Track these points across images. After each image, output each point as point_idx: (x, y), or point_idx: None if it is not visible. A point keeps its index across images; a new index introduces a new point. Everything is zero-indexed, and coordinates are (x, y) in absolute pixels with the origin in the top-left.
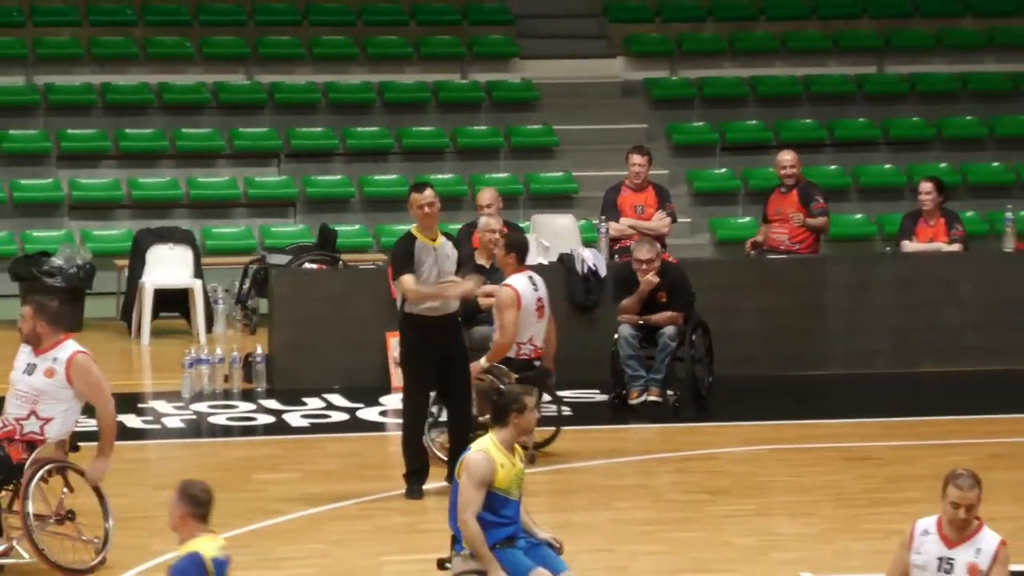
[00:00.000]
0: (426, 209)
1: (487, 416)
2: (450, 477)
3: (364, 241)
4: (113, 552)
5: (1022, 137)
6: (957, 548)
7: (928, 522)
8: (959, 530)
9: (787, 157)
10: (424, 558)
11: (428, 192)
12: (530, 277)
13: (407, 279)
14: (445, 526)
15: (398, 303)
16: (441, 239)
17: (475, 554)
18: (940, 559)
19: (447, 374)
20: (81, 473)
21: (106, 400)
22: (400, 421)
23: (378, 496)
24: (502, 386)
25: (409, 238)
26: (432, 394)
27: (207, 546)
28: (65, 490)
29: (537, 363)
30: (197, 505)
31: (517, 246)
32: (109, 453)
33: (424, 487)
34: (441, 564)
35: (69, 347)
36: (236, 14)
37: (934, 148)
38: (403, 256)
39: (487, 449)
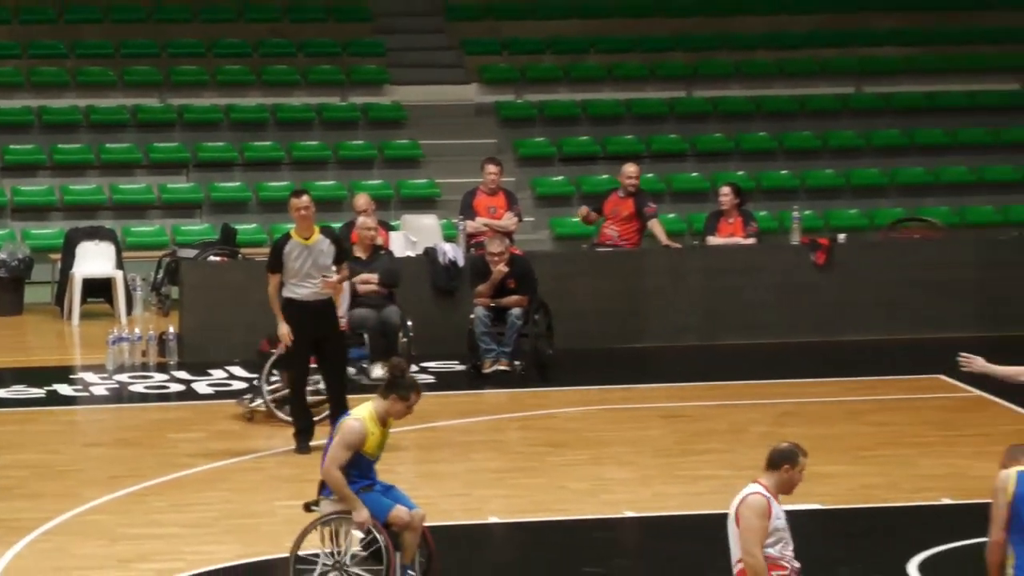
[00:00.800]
0: (302, 212)
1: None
2: None
3: (260, 238)
4: (50, 499)
5: (806, 149)
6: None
7: (765, 490)
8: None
9: (632, 169)
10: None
11: (304, 198)
12: None
13: (271, 279)
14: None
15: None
16: (317, 237)
17: (341, 498)
18: (784, 518)
19: (322, 350)
20: None
21: None
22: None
23: (272, 451)
24: (408, 373)
25: (284, 238)
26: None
27: None
28: None
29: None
30: None
31: None
32: None
33: (311, 444)
34: (307, 507)
35: None
36: (151, 48)
37: (733, 159)
38: (272, 254)
39: (364, 419)
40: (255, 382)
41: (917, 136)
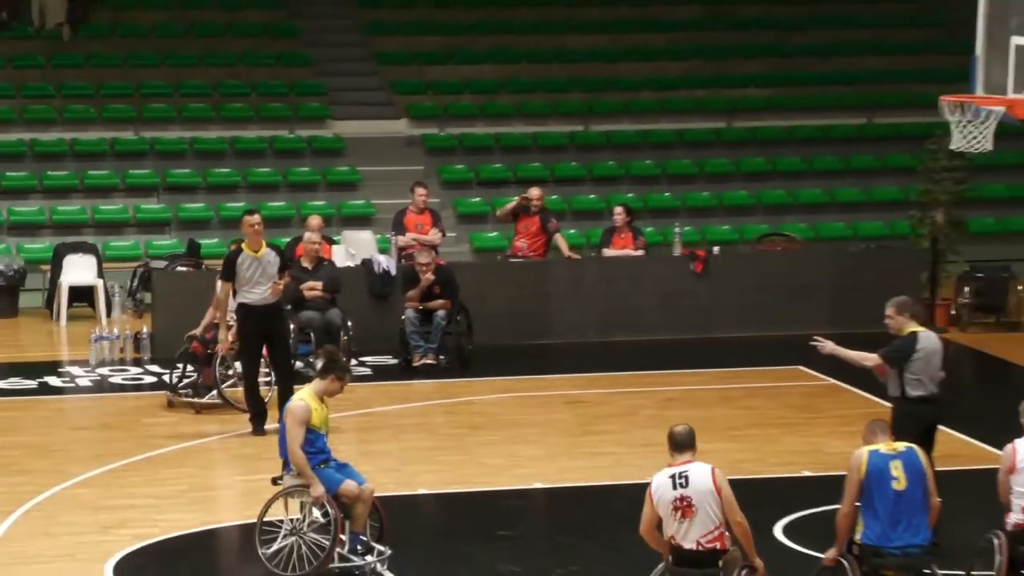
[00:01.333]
0: (255, 227)
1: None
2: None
3: (220, 251)
4: (39, 475)
5: (685, 175)
6: None
7: None
8: None
9: (536, 192)
10: (264, 477)
11: (256, 216)
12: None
13: (221, 286)
14: (280, 455)
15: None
16: (264, 251)
17: (301, 474)
18: None
19: (272, 347)
20: None
21: None
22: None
23: (232, 433)
24: (339, 357)
25: (237, 251)
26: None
27: None
28: None
29: None
30: None
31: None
32: None
33: (265, 427)
34: (274, 481)
35: None
36: (127, 89)
37: (624, 183)
38: (225, 265)
39: (304, 397)
40: (198, 378)
41: (779, 164)
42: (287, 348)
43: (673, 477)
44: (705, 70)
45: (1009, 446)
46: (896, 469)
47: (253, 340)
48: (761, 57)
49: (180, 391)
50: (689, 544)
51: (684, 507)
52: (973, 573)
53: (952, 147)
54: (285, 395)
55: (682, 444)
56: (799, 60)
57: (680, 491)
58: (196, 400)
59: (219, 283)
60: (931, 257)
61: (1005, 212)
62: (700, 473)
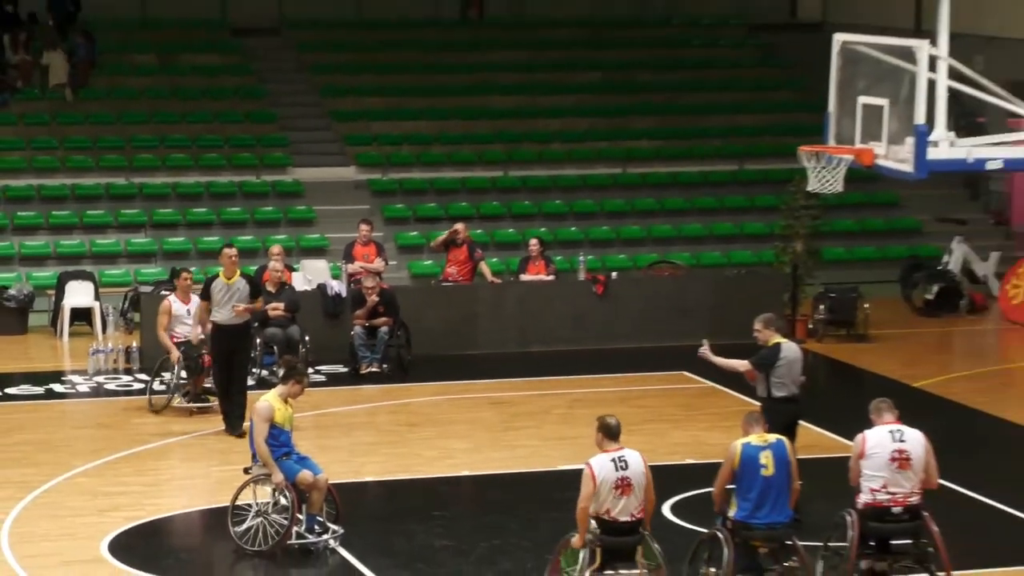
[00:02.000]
0: (231, 258)
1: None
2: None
3: (198, 278)
4: (45, 467)
5: (589, 213)
6: None
7: None
8: None
9: (460, 226)
10: (235, 468)
11: (233, 249)
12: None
13: (202, 304)
14: (250, 449)
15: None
16: (236, 278)
17: (265, 464)
18: None
19: (234, 356)
20: None
21: None
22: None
23: (208, 431)
24: (298, 363)
25: (213, 277)
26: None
27: None
28: None
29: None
30: None
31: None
32: None
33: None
34: (246, 470)
35: None
36: (120, 142)
37: (537, 219)
38: (204, 287)
39: (269, 398)
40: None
41: (666, 203)
42: (244, 365)
43: (615, 461)
44: (605, 125)
45: (860, 436)
46: (766, 458)
47: (221, 352)
48: (652, 115)
49: (180, 396)
50: (625, 517)
51: (624, 486)
52: (829, 544)
53: (809, 189)
54: (239, 405)
55: (616, 433)
56: (683, 117)
57: (621, 472)
58: (194, 404)
59: (200, 304)
60: (792, 280)
61: (853, 243)
62: (634, 457)
